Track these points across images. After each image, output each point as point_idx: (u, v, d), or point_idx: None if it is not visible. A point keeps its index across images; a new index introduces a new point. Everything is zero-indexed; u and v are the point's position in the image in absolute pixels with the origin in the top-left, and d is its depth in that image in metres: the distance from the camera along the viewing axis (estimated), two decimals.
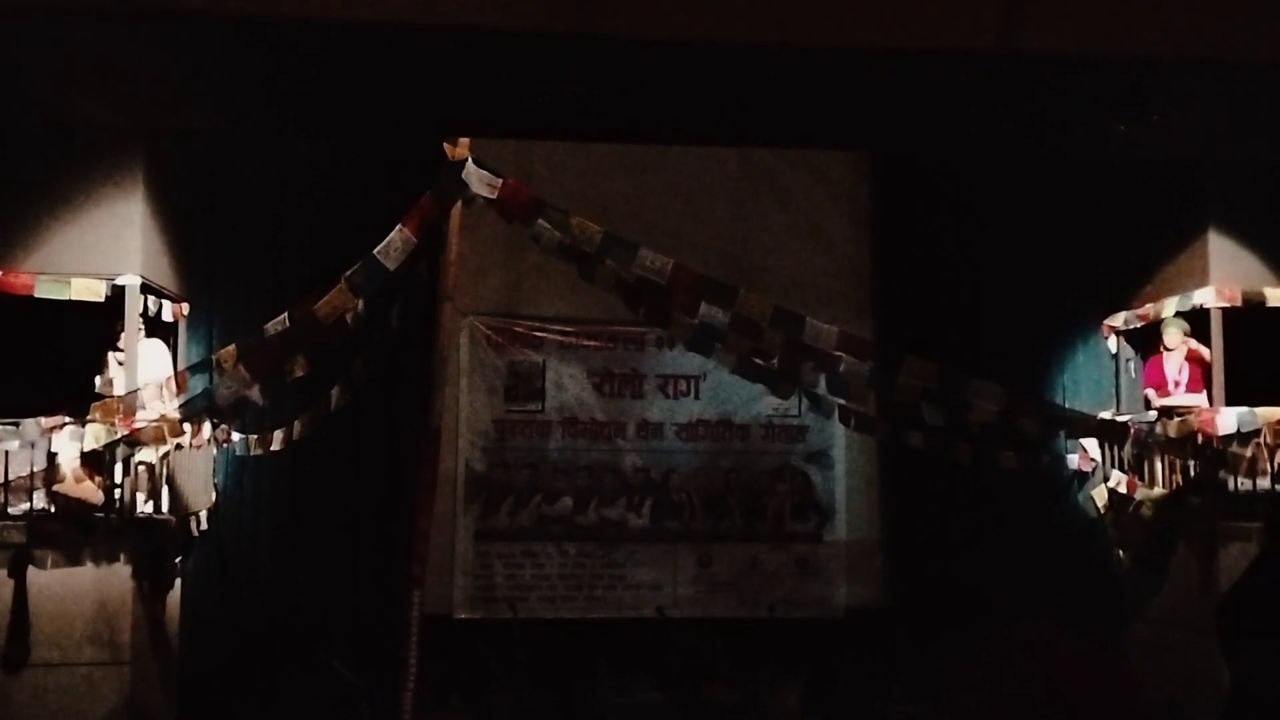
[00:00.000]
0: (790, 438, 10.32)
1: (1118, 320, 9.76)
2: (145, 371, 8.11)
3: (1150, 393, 9.22)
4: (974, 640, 2.71)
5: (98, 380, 8.22)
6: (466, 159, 7.69)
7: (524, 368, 10.11)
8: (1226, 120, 7.79)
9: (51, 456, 7.45)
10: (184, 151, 8.66)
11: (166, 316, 8.59)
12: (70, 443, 7.44)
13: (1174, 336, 8.92)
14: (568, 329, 10.07)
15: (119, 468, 7.63)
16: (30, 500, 7.44)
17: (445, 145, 7.72)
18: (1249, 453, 8.30)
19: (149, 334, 8.49)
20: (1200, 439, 8.44)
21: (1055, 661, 2.63)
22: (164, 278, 8.48)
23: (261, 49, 6.68)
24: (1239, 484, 8.33)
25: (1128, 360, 9.85)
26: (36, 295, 7.78)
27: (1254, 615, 4.22)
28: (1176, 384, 8.94)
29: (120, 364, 8.18)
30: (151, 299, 8.29)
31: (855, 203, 10.43)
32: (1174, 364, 8.98)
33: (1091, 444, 9.70)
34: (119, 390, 7.98)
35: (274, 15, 6.19)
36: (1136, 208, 9.60)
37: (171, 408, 7.79)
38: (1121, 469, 9.39)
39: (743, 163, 10.29)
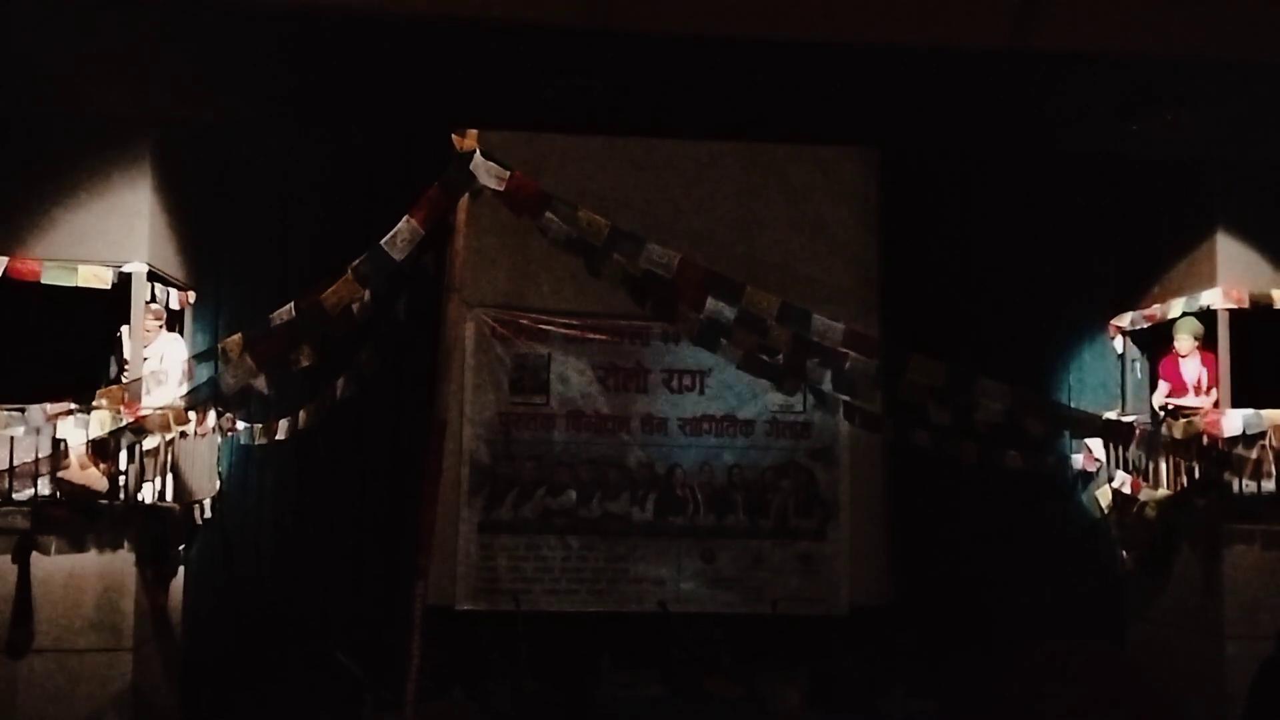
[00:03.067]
0: (795, 434, 10.32)
1: (1124, 321, 9.74)
2: (168, 366, 8.14)
3: (1164, 385, 9.16)
4: (1002, 660, 2.72)
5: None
6: (475, 151, 7.68)
7: (529, 361, 10.11)
8: (1236, 121, 7.76)
9: (57, 443, 7.46)
10: (193, 141, 8.66)
11: (174, 305, 8.60)
12: (76, 429, 7.45)
13: (1185, 343, 8.87)
14: (574, 322, 10.08)
15: (124, 455, 7.64)
16: (35, 486, 7.45)
17: (453, 137, 7.70)
18: (1254, 455, 8.29)
19: (168, 328, 8.50)
20: (1205, 440, 8.43)
21: (1086, 683, 2.63)
22: (171, 266, 8.49)
23: (271, 39, 6.67)
24: (1243, 486, 8.31)
25: (1134, 361, 9.83)
26: (43, 281, 7.79)
27: None
28: (1196, 388, 8.90)
29: (124, 355, 8.18)
30: (159, 286, 8.29)
31: (863, 199, 10.42)
32: (1192, 369, 8.93)
33: (1096, 444, 9.69)
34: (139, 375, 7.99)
35: (284, 6, 6.19)
36: (1145, 208, 9.58)
37: (177, 395, 7.82)
38: (1126, 470, 9.37)
39: (751, 158, 10.28)
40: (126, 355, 8.17)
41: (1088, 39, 6.43)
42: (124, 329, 8.14)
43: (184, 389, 8.05)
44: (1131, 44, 6.45)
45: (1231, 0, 6.25)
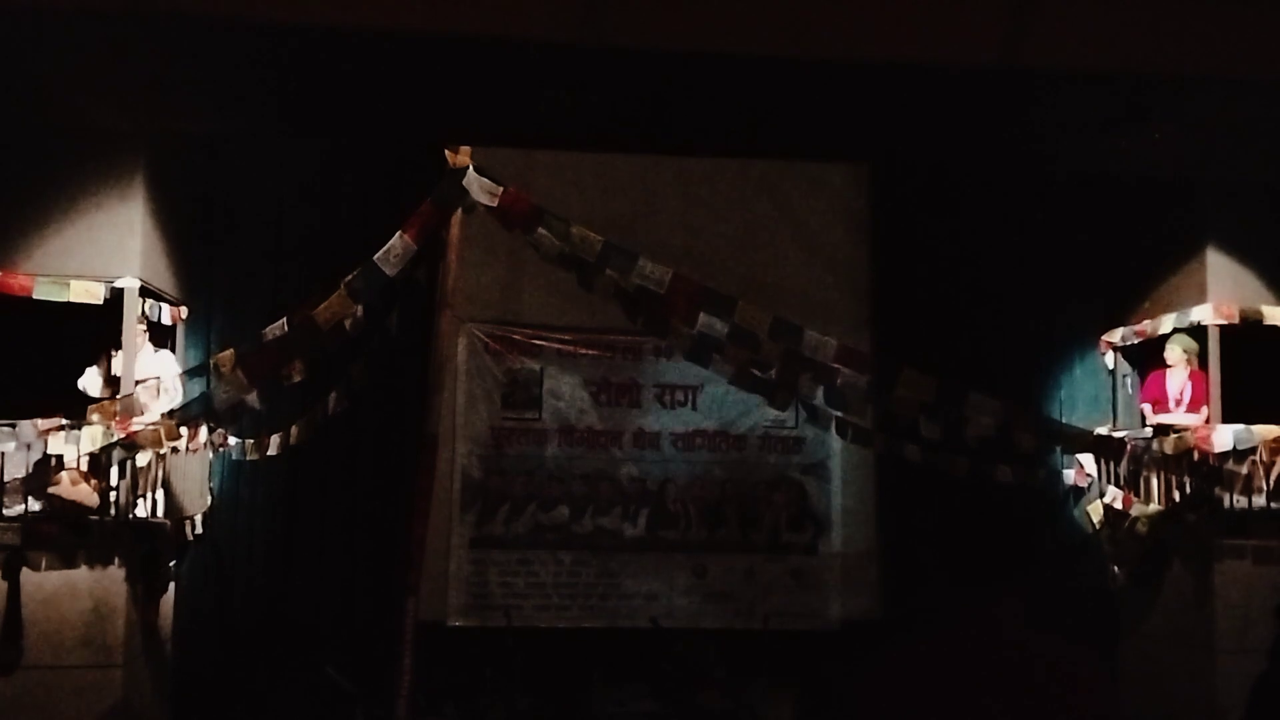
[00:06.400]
0: (787, 449, 10.31)
1: (1115, 336, 9.76)
2: (166, 380, 8.13)
3: (1147, 407, 9.23)
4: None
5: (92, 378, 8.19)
6: (468, 166, 7.71)
7: (522, 375, 10.10)
8: (1226, 138, 7.80)
9: (48, 458, 7.43)
10: (185, 155, 8.66)
11: (165, 320, 8.58)
12: (67, 445, 7.42)
13: (1174, 354, 8.93)
14: (566, 337, 10.07)
15: (115, 470, 7.62)
16: (26, 502, 7.42)
17: (446, 152, 7.73)
18: (1245, 470, 8.32)
19: (154, 343, 8.47)
20: (1196, 455, 8.45)
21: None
22: (163, 281, 8.48)
23: (264, 53, 6.68)
24: (1234, 501, 8.34)
25: (1125, 376, 9.85)
26: (35, 297, 7.76)
27: None
28: (1178, 402, 8.93)
29: (106, 371, 8.15)
30: (150, 302, 8.27)
31: (855, 215, 10.44)
32: (1176, 382, 8.97)
33: (1088, 459, 9.70)
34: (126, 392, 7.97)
35: (276, 20, 6.20)
36: (1135, 224, 9.61)
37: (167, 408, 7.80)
38: (1117, 485, 9.38)
39: (743, 174, 10.30)
40: (115, 370, 8.15)
41: (1077, 56, 6.46)
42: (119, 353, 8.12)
43: (176, 402, 8.04)
44: (1120, 61, 6.49)
45: (1219, 18, 6.29)
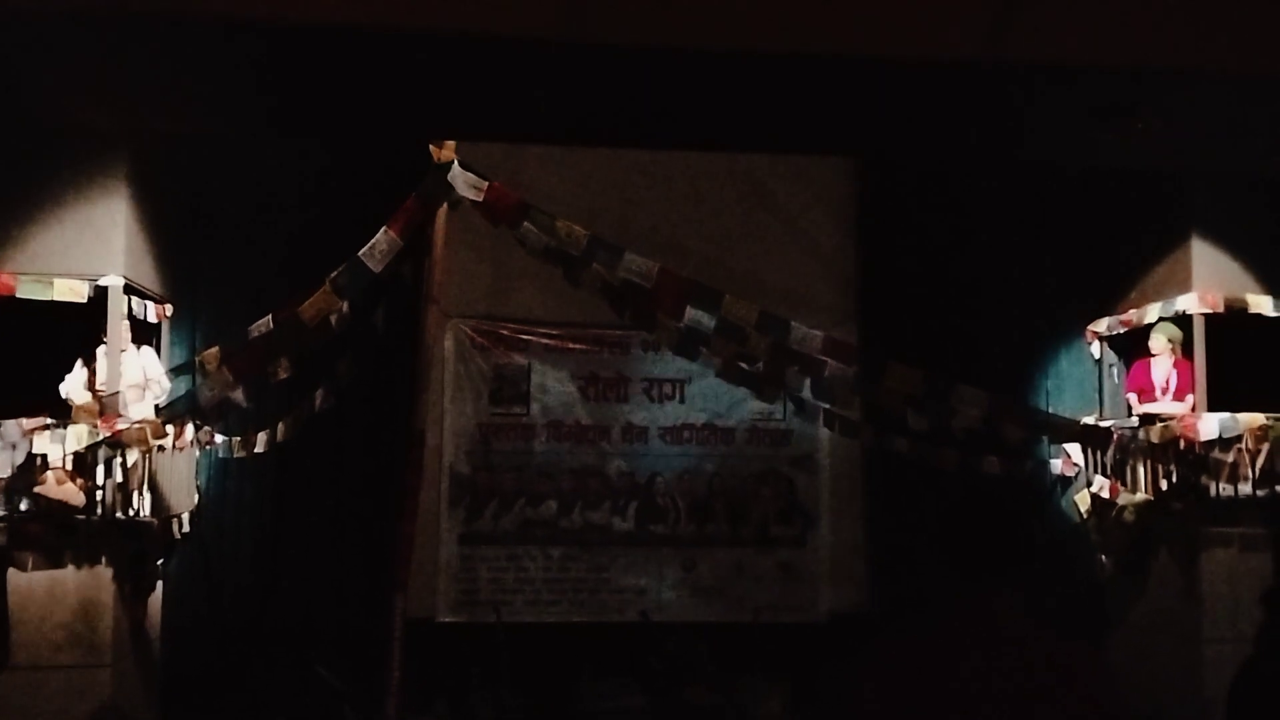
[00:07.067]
0: (775, 442, 10.32)
1: (1101, 326, 9.79)
2: (155, 376, 8.11)
3: (1133, 397, 9.26)
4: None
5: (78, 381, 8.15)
6: (453, 161, 7.69)
7: (509, 371, 10.10)
8: (1211, 130, 7.82)
9: (32, 458, 7.40)
10: (169, 153, 8.62)
11: (150, 318, 8.55)
12: (52, 444, 7.40)
13: (1159, 343, 8.96)
14: (553, 332, 10.07)
15: (101, 469, 7.59)
16: (12, 501, 7.39)
17: (431, 148, 7.72)
18: (1231, 458, 8.34)
19: (138, 341, 8.43)
20: (1182, 444, 8.48)
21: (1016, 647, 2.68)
22: (147, 279, 8.45)
23: (248, 51, 6.65)
24: (1220, 489, 8.37)
25: (1111, 366, 9.88)
26: (19, 296, 7.73)
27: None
28: (1164, 391, 8.97)
29: (89, 369, 8.11)
30: (135, 300, 8.25)
31: (842, 208, 10.45)
32: (1161, 371, 9.01)
33: (1074, 449, 9.73)
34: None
35: (261, 17, 6.17)
36: (1121, 215, 9.63)
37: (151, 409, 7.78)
38: (1104, 474, 9.41)
39: (730, 168, 10.29)
40: (99, 368, 8.11)
41: (1063, 50, 6.47)
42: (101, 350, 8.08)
43: (162, 399, 8.01)
44: (1106, 55, 6.50)
45: (1204, 12, 6.30)
